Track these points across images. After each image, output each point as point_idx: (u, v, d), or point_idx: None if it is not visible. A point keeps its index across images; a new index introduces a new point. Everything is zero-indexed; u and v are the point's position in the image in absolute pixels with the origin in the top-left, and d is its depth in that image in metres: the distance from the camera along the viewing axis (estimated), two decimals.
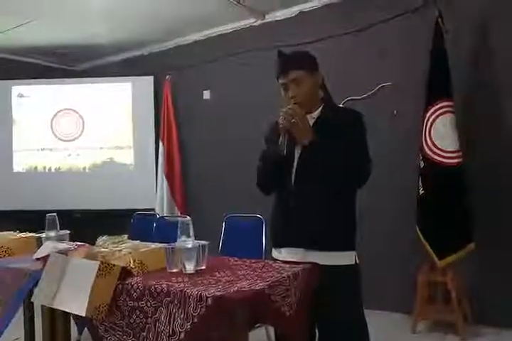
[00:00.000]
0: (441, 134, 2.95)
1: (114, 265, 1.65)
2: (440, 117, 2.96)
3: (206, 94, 4.52)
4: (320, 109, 1.85)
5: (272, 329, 2.26)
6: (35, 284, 1.82)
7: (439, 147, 2.95)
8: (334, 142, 1.70)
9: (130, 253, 1.77)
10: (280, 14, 3.98)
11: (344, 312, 1.75)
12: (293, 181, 1.81)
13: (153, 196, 4.60)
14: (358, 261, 1.81)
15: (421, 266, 3.09)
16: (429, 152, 2.98)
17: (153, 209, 4.37)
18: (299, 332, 1.66)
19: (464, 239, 2.91)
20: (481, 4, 3.10)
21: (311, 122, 1.80)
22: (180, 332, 1.43)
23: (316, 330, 1.83)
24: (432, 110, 2.99)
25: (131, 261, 1.72)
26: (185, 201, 4.58)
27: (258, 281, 1.55)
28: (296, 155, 1.81)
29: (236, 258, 1.95)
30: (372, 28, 3.50)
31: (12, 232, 2.55)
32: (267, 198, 1.98)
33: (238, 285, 1.51)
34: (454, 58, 3.01)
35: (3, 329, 1.97)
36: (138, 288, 1.58)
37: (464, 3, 3.14)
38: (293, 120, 1.71)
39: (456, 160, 2.92)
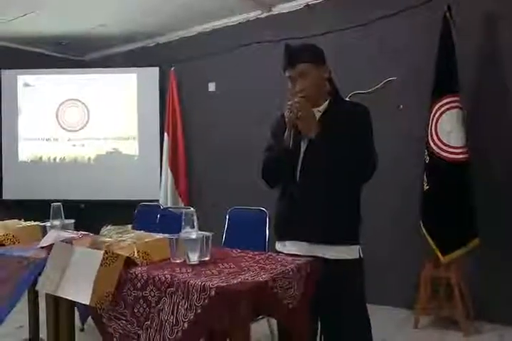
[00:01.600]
0: (447, 130, 2.94)
1: (118, 254, 1.66)
2: (446, 112, 2.94)
3: (211, 86, 4.51)
4: (327, 102, 1.84)
5: (274, 322, 2.28)
6: (40, 272, 1.83)
7: (445, 142, 2.93)
8: (340, 136, 1.69)
9: (134, 243, 1.78)
10: (286, 7, 3.95)
11: (347, 307, 1.76)
12: (298, 174, 1.80)
13: (157, 187, 4.61)
14: (362, 256, 1.81)
15: (424, 262, 3.08)
16: (434, 147, 2.97)
17: (157, 201, 4.37)
18: (301, 325, 1.67)
19: (468, 235, 2.90)
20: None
21: (318, 116, 1.79)
22: (183, 322, 1.44)
23: (319, 323, 1.84)
24: (438, 105, 2.97)
25: (136, 251, 1.72)
26: (189, 193, 4.59)
27: (261, 273, 1.56)
28: (302, 148, 1.80)
29: (239, 250, 1.95)
30: (379, 21, 3.47)
31: (17, 221, 2.57)
32: (270, 191, 1.98)
33: (241, 276, 1.51)
34: (461, 53, 2.98)
35: (4, 317, 1.98)
36: (142, 277, 1.58)
37: None
38: (299, 113, 1.71)
39: (462, 156, 2.90)
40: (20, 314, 2.44)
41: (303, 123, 1.72)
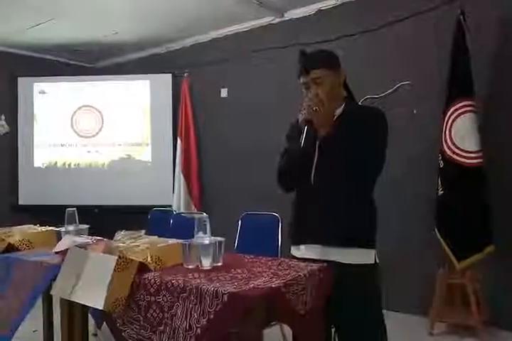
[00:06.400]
0: (461, 134, 2.90)
1: (131, 260, 1.67)
2: (461, 117, 2.91)
3: (224, 92, 4.53)
4: (342, 107, 1.83)
5: (286, 328, 2.26)
6: (54, 277, 1.84)
7: (460, 147, 2.90)
8: (351, 139, 1.68)
9: (148, 248, 1.78)
10: (299, 12, 3.96)
11: (362, 312, 1.73)
12: (312, 176, 1.79)
13: (170, 192, 4.64)
14: (378, 261, 1.79)
15: (439, 268, 3.05)
16: (449, 152, 2.94)
17: (170, 206, 4.40)
18: (314, 331, 1.65)
19: (484, 240, 2.86)
20: (505, 2, 3.04)
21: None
22: (196, 328, 1.44)
23: (332, 330, 1.82)
24: (452, 109, 2.95)
25: (149, 256, 1.73)
26: (202, 198, 4.60)
27: (274, 279, 1.55)
28: (316, 152, 1.79)
29: (252, 256, 1.95)
30: (391, 25, 3.47)
31: (32, 226, 2.60)
32: (283, 196, 1.97)
33: (254, 282, 1.51)
34: (475, 57, 2.96)
35: (20, 321, 2.00)
36: (155, 283, 1.59)
37: (487, 1, 3.08)
38: (315, 108, 1.69)
39: (476, 161, 2.87)
40: (34, 318, 2.45)
41: (319, 117, 1.70)
